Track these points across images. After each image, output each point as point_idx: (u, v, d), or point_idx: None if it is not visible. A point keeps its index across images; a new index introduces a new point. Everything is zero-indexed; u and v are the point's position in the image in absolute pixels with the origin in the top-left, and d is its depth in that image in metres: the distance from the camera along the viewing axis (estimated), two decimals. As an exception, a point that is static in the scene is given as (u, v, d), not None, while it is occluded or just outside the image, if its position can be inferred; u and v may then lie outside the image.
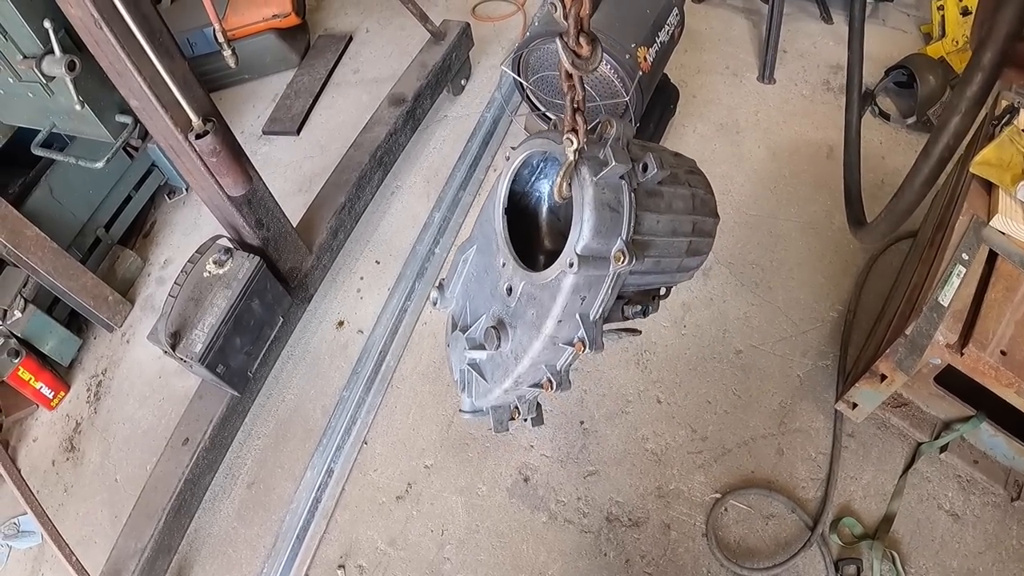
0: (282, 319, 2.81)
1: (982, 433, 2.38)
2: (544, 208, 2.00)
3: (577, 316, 1.59)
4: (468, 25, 3.73)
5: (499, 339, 1.71)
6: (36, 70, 2.29)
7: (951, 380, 2.25)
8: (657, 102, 3.35)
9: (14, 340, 3.10)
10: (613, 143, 1.54)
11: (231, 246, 2.60)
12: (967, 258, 2.17)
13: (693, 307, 3.03)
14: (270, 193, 2.58)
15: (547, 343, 1.62)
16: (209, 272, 2.56)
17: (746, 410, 2.75)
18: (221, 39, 2.29)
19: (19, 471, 2.23)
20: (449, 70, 3.70)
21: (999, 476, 2.45)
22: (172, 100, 1.97)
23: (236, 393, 2.72)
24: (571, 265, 1.50)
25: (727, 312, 3.00)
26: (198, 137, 2.05)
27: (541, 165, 1.89)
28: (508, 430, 1.97)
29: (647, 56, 2.75)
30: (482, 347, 1.76)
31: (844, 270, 3.05)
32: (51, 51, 2.26)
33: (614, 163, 1.47)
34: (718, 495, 2.57)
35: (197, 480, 2.70)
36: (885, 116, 3.48)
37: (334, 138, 3.96)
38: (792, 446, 2.64)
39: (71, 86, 2.29)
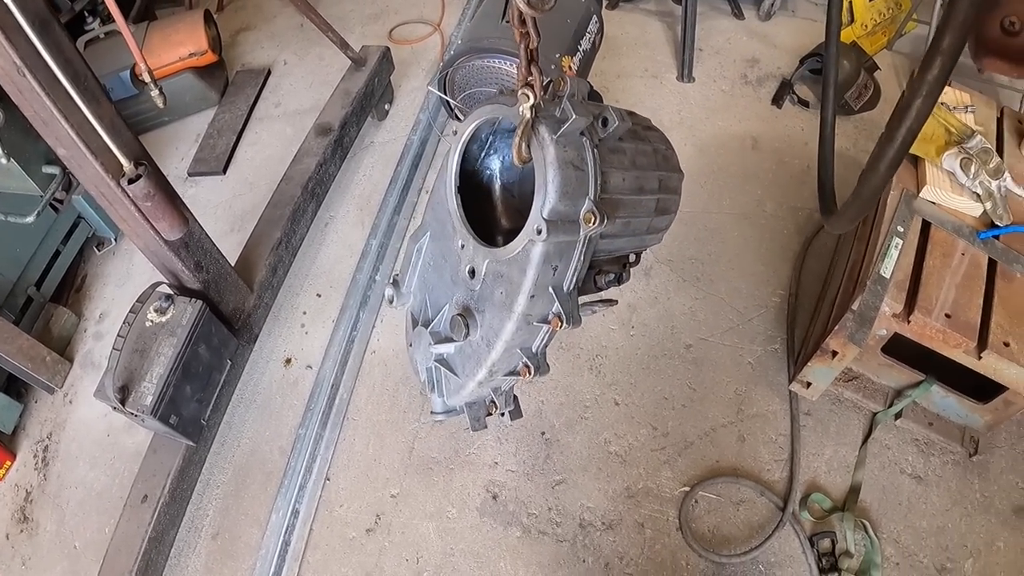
0: (230, 362, 2.75)
1: (933, 396, 2.50)
2: (497, 186, 1.91)
3: (550, 289, 1.50)
4: (388, 49, 3.73)
5: (467, 327, 1.61)
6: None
7: (897, 349, 2.37)
8: (584, 109, 3.41)
9: (-51, 415, 2.95)
10: (570, 98, 1.45)
11: (171, 292, 2.54)
12: (902, 230, 2.27)
13: (639, 307, 3.08)
14: (206, 234, 2.53)
15: (520, 323, 1.53)
16: (151, 321, 2.49)
17: (703, 402, 2.81)
18: (147, 78, 2.22)
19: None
20: (372, 95, 3.70)
21: (955, 435, 2.58)
22: (101, 146, 1.91)
23: (191, 443, 2.64)
24: (539, 232, 1.40)
25: (672, 309, 3.06)
26: (131, 182, 1.98)
27: (491, 139, 1.81)
28: (486, 427, 1.87)
29: (571, 65, 2.80)
30: (449, 339, 1.67)
31: (781, 255, 3.15)
32: (-28, 107, 2.18)
33: (574, 116, 1.39)
34: (687, 488, 2.62)
35: (161, 537, 2.61)
36: (804, 103, 3.62)
37: (262, 174, 3.90)
38: (752, 431, 2.71)
39: (-7, 142, 2.21)
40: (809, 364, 2.44)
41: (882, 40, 3.84)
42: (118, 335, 2.31)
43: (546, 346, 1.64)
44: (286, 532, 2.80)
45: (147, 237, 2.24)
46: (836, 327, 2.21)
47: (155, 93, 1.99)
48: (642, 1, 4.28)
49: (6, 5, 1.52)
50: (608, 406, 2.86)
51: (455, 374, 1.74)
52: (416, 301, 1.92)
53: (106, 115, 1.90)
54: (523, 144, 1.47)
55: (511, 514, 2.69)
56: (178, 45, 3.86)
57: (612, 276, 1.70)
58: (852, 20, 3.69)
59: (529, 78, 1.37)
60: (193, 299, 2.50)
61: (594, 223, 1.42)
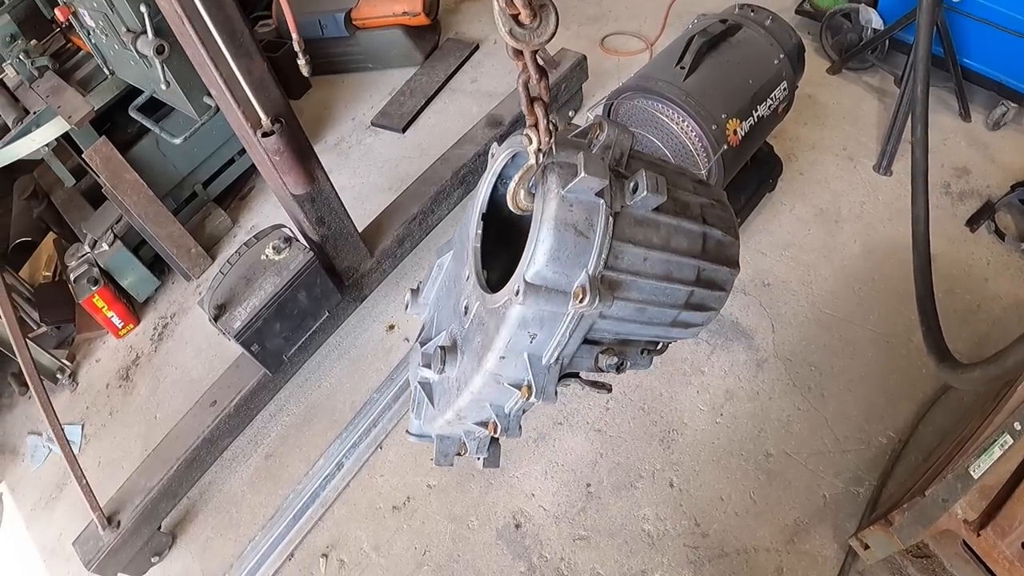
0: (328, 313, 2.91)
1: (1002, 615, 2.15)
2: None
3: (526, 356, 1.35)
4: (584, 58, 3.70)
5: (443, 362, 1.49)
6: (132, 47, 2.47)
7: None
8: (754, 174, 3.21)
9: (96, 270, 3.37)
10: (593, 150, 1.27)
11: (292, 236, 2.71)
12: (1019, 428, 1.95)
13: (736, 397, 2.89)
14: (336, 193, 2.67)
15: (489, 379, 1.40)
16: (267, 256, 2.69)
17: (758, 517, 2.60)
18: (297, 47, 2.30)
19: (48, 397, 2.40)
20: (555, 100, 3.69)
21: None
22: (245, 98, 2.07)
23: (268, 372, 2.84)
24: (517, 293, 1.25)
25: (770, 411, 2.84)
26: (265, 136, 2.14)
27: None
28: (452, 464, 1.75)
29: (738, 130, 2.63)
30: (430, 367, 1.55)
31: (908, 395, 2.81)
32: (145, 32, 2.42)
33: (583, 174, 1.20)
34: (701, 599, 2.46)
35: (215, 441, 2.85)
36: (1000, 235, 3.17)
37: (435, 143, 4.04)
38: (794, 568, 2.48)
39: (159, 67, 2.45)
40: (871, 528, 2.18)
41: None
42: (227, 261, 2.51)
43: (520, 411, 1.50)
44: (325, 479, 2.96)
45: (276, 184, 2.41)
46: (906, 505, 1.95)
47: (302, 62, 2.09)
48: (867, 72, 3.92)
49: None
50: (662, 484, 2.73)
51: (431, 404, 1.64)
52: (428, 315, 1.81)
53: (256, 70, 2.04)
54: (520, 191, 1.32)
55: (525, 548, 2.66)
56: (394, 2, 4.06)
57: (615, 361, 1.48)
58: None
59: (534, 118, 1.21)
60: (307, 249, 2.67)
61: (584, 301, 1.23)
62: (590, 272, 1.24)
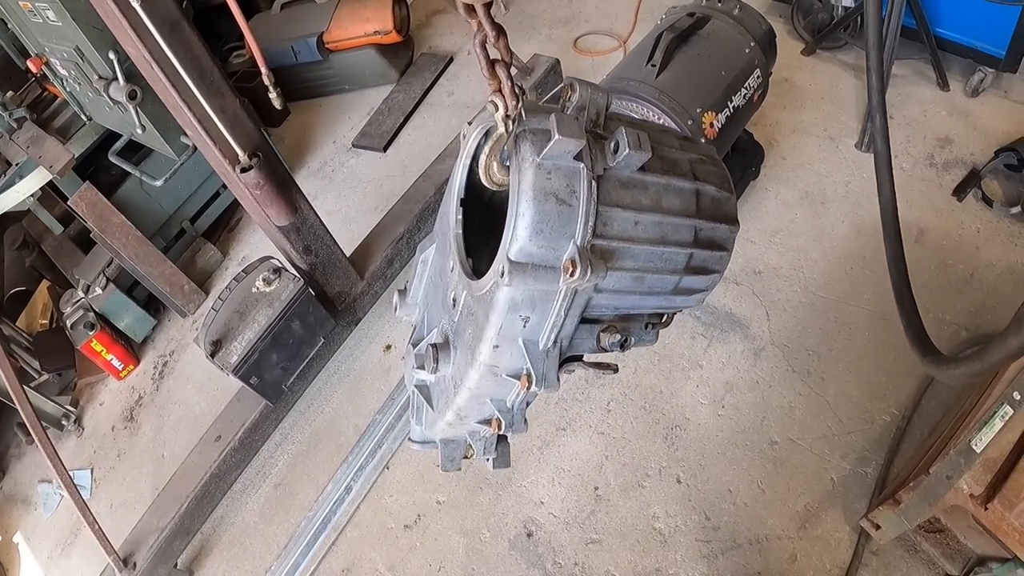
0: (323, 339, 2.92)
1: (1018, 577, 2.15)
2: None
3: (520, 342, 1.26)
4: (558, 61, 3.71)
5: (436, 361, 1.40)
6: (105, 93, 2.48)
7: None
8: (737, 163, 3.21)
9: (92, 314, 3.39)
10: (566, 112, 1.17)
11: (280, 266, 2.72)
12: (1019, 398, 1.94)
13: (736, 387, 2.89)
14: (320, 221, 2.68)
15: (485, 372, 1.30)
16: (257, 288, 2.70)
17: (768, 506, 2.60)
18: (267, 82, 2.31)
19: (53, 446, 2.42)
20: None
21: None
22: (220, 135, 2.08)
23: (269, 403, 2.85)
24: (502, 274, 1.15)
25: (771, 399, 2.84)
26: (243, 171, 2.15)
27: None
28: (459, 469, 1.65)
29: (714, 122, 2.64)
30: (424, 367, 1.45)
31: (908, 371, 2.81)
32: (117, 79, 2.44)
33: (557, 136, 1.09)
34: (717, 593, 2.46)
35: (223, 475, 2.87)
36: (988, 202, 3.17)
37: (417, 160, 4.04)
38: (808, 554, 2.48)
39: (133, 111, 2.47)
40: (881, 508, 2.18)
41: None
42: (218, 297, 2.52)
43: (524, 403, 1.40)
44: (335, 503, 2.97)
45: (260, 217, 2.42)
46: (912, 483, 1.95)
47: (273, 95, 2.09)
48: (841, 51, 3.91)
49: (134, 8, 1.67)
50: (669, 481, 2.73)
51: (431, 407, 1.54)
52: (418, 315, 1.71)
53: (229, 108, 2.05)
54: (494, 164, 1.22)
55: (539, 556, 2.67)
56: (365, 21, 4.07)
57: (619, 338, 1.37)
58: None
59: (497, 83, 1.11)
60: (297, 278, 2.68)
61: (575, 274, 1.13)
62: (578, 242, 1.15)
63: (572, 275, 1.12)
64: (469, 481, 2.90)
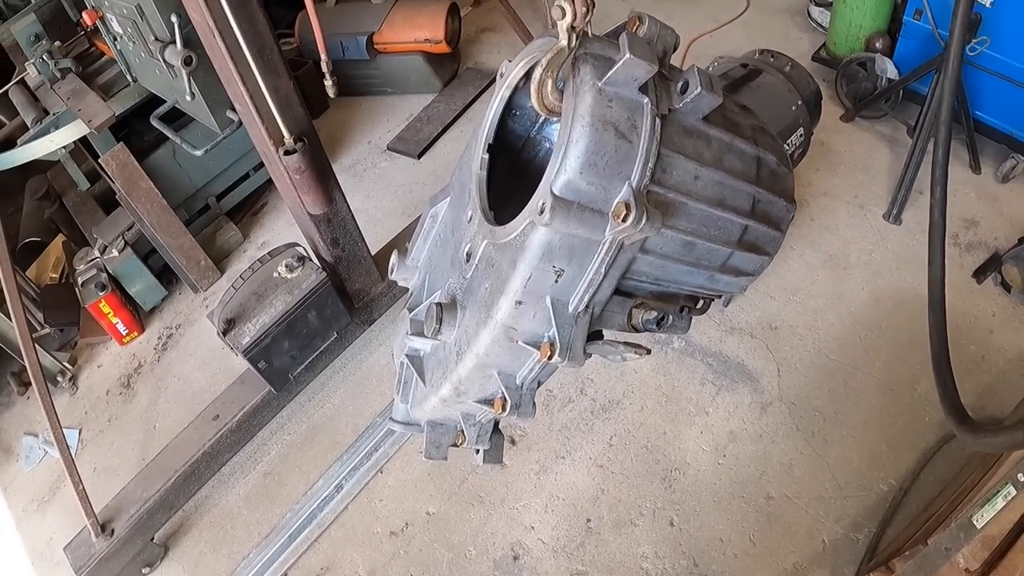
0: (336, 334, 2.91)
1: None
2: None
3: (547, 301, 1.08)
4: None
5: (440, 321, 1.22)
6: (160, 56, 2.49)
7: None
8: (766, 216, 3.22)
9: (104, 275, 3.37)
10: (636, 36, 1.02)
11: (305, 255, 2.71)
12: (1023, 480, 1.95)
13: (739, 438, 2.89)
14: (352, 215, 2.68)
15: (499, 335, 1.12)
16: (279, 273, 2.69)
17: (757, 560, 2.59)
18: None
19: (51, 398, 2.40)
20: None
21: None
22: (269, 115, 2.08)
23: (273, 390, 2.83)
24: (541, 211, 0.98)
25: (772, 454, 2.84)
26: (287, 153, 2.15)
27: None
28: (445, 457, 1.42)
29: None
30: (422, 332, 1.26)
31: (911, 444, 2.81)
32: (174, 42, 2.44)
33: (627, 56, 0.95)
34: (694, 641, 2.44)
35: (216, 455, 2.84)
36: (1007, 287, 3.19)
37: (449, 171, 3.98)
38: (793, 615, 2.47)
39: (185, 78, 2.47)
40: (871, 575, 2.18)
41: None
42: (240, 276, 2.51)
43: (536, 381, 1.20)
44: (324, 500, 2.94)
45: (293, 202, 2.42)
46: (908, 552, 1.95)
47: (328, 82, 2.08)
48: (880, 121, 3.96)
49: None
50: (662, 523, 2.71)
51: (423, 380, 1.35)
52: (418, 280, 1.54)
53: (282, 88, 2.06)
54: (548, 83, 1.05)
55: (522, 583, 2.65)
56: (417, 28, 4.09)
57: (654, 316, 1.19)
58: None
59: None
60: (319, 269, 2.67)
61: (628, 221, 0.96)
62: (634, 184, 1.00)
63: (624, 221, 0.99)
64: (461, 496, 2.88)
